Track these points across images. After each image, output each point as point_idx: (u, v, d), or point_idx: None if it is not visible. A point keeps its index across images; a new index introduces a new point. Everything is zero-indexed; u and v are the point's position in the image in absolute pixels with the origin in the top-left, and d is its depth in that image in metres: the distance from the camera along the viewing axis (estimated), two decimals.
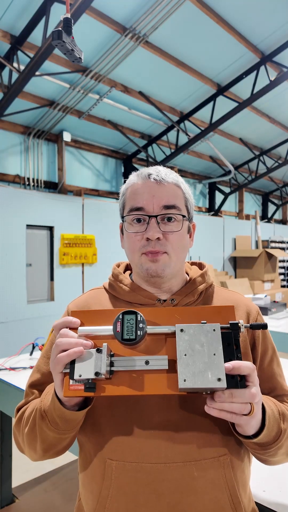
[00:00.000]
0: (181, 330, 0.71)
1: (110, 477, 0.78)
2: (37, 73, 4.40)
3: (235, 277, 9.10)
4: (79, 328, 0.74)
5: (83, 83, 5.06)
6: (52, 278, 5.47)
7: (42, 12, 3.81)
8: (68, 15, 2.01)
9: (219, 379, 0.66)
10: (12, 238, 4.88)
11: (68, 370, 0.70)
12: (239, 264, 9.15)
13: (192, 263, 1.03)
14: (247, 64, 5.48)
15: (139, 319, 0.72)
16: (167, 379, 0.70)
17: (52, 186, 6.09)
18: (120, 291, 0.92)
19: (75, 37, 2.07)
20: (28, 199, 5.08)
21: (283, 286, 9.97)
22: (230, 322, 0.72)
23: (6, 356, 2.58)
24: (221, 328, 0.71)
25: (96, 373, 0.68)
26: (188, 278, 0.94)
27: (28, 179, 5.70)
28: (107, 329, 0.73)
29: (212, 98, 5.98)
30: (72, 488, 2.47)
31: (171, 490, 0.76)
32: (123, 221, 0.91)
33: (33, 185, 5.76)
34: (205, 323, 0.72)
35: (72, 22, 2.01)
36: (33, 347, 2.43)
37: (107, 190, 7.05)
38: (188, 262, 1.02)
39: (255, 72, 5.48)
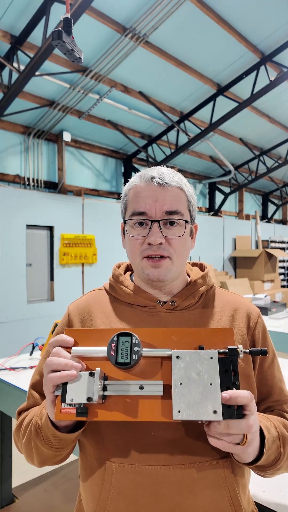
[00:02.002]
0: (177, 357, 0.68)
1: (110, 480, 0.78)
2: (37, 73, 4.40)
3: (235, 277, 9.10)
4: (73, 348, 0.72)
5: (83, 83, 5.06)
6: (52, 278, 5.47)
7: (42, 12, 3.81)
8: (68, 15, 2.01)
9: (214, 412, 0.64)
10: (12, 238, 4.88)
11: (59, 393, 0.68)
12: (239, 264, 9.15)
13: (193, 264, 1.02)
14: (247, 64, 5.48)
15: (134, 341, 0.69)
16: (162, 405, 0.68)
17: (52, 186, 6.09)
18: (121, 292, 0.91)
19: (75, 37, 2.07)
20: (28, 199, 5.08)
21: (283, 286, 9.97)
22: (228, 347, 0.69)
23: (6, 356, 2.58)
24: (219, 353, 0.69)
25: (89, 398, 0.66)
26: (189, 280, 0.93)
27: (28, 179, 5.70)
28: (101, 350, 0.71)
29: (212, 98, 5.98)
30: (72, 488, 2.47)
31: (171, 493, 0.76)
32: (125, 222, 0.90)
33: (33, 185, 5.77)
34: (203, 347, 0.70)
35: (72, 22, 2.01)
36: (33, 347, 2.43)
37: (107, 190, 7.05)
38: (189, 263, 1.01)
39: (255, 72, 5.48)
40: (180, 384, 0.66)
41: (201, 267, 1.00)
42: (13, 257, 4.88)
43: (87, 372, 0.68)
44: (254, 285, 8.18)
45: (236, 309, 0.91)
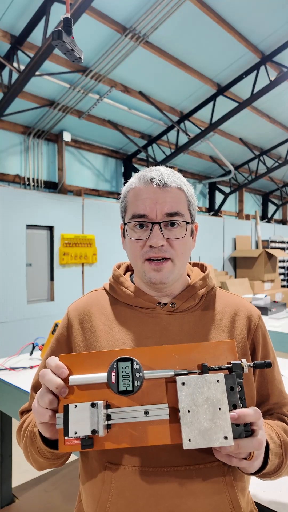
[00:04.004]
0: (183, 384, 0.66)
1: (110, 481, 0.78)
2: (37, 73, 4.40)
3: (235, 277, 9.10)
4: (70, 377, 0.69)
5: (83, 83, 5.06)
6: (52, 278, 5.47)
7: (42, 12, 3.81)
8: (68, 15, 2.01)
9: (225, 437, 0.63)
10: (12, 238, 4.88)
11: (61, 426, 0.66)
12: (239, 264, 9.15)
13: (194, 265, 1.01)
14: (247, 64, 5.48)
15: (135, 367, 0.66)
16: (170, 430, 0.66)
17: (52, 186, 6.09)
18: (121, 293, 0.91)
19: (75, 37, 2.07)
20: (28, 199, 5.08)
21: (283, 286, 9.97)
22: (232, 363, 0.68)
23: (6, 356, 2.58)
24: (223, 369, 0.68)
25: (93, 431, 0.64)
26: (189, 281, 0.93)
27: (28, 179, 5.70)
28: (101, 376, 0.68)
29: (212, 98, 5.98)
30: (72, 488, 2.47)
31: (171, 494, 0.75)
32: (124, 224, 0.89)
33: (33, 185, 5.76)
34: (206, 365, 0.68)
35: (72, 22, 2.01)
36: (33, 347, 2.43)
37: (107, 190, 7.05)
38: (190, 263, 1.01)
39: (255, 72, 5.48)
40: (188, 411, 0.65)
41: (202, 268, 0.99)
42: (13, 257, 4.88)
43: (89, 403, 0.66)
44: (254, 285, 8.18)
45: (237, 311, 0.90)
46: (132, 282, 0.94)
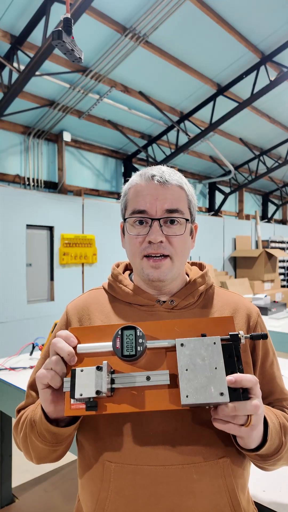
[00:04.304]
0: (182, 345, 0.70)
1: (108, 479, 0.78)
2: (37, 73, 4.40)
3: (235, 277, 9.10)
4: (78, 346, 0.73)
5: (83, 83, 5.06)
6: (52, 278, 5.47)
7: (42, 12, 3.81)
8: (68, 15, 2.01)
9: (221, 394, 0.66)
10: (12, 238, 4.88)
11: (68, 389, 0.69)
12: (239, 264, 9.15)
13: (192, 264, 1.02)
14: (247, 64, 5.48)
15: (138, 334, 0.71)
16: (169, 394, 0.70)
17: (52, 186, 6.09)
18: (120, 292, 0.91)
19: (75, 37, 2.08)
20: (28, 199, 5.08)
21: (283, 286, 9.97)
22: (230, 333, 0.71)
23: (6, 356, 2.58)
24: (221, 339, 0.71)
25: (97, 392, 0.68)
26: (188, 279, 0.93)
27: (28, 179, 5.70)
28: (106, 345, 0.72)
29: (212, 98, 5.98)
30: (72, 488, 2.47)
31: (170, 493, 0.75)
32: (124, 221, 0.90)
33: (33, 185, 5.77)
34: (205, 335, 0.71)
35: (72, 22, 2.01)
36: (33, 347, 2.43)
37: (107, 190, 7.05)
38: (188, 263, 1.01)
39: (255, 72, 5.48)
40: (186, 370, 0.68)
41: (200, 266, 1.00)
42: (13, 257, 4.88)
43: (94, 367, 0.70)
44: (254, 285, 8.18)
45: (236, 309, 0.91)
46: (131, 280, 0.94)
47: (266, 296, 4.26)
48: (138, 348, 0.70)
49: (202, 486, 0.76)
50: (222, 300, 0.92)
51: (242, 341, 0.71)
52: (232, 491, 0.78)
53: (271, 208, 11.86)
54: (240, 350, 0.70)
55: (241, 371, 0.69)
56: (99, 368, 0.69)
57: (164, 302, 0.89)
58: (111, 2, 4.03)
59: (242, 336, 0.71)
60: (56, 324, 2.15)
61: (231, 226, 9.18)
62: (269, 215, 11.58)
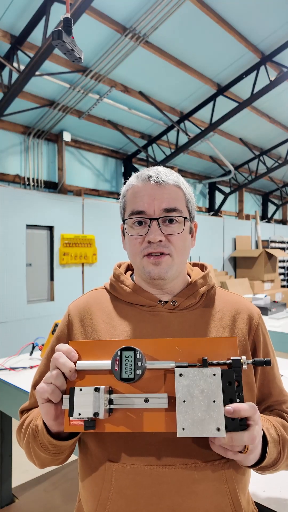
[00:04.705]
0: (180, 375, 0.69)
1: (110, 479, 0.78)
2: (37, 73, 4.40)
3: (235, 277, 9.10)
4: (77, 362, 0.73)
5: (83, 83, 5.06)
6: (52, 278, 5.47)
7: (42, 12, 3.81)
8: (68, 15, 2.01)
9: (218, 429, 0.65)
10: (12, 238, 4.88)
11: (67, 407, 0.70)
12: (239, 264, 9.15)
13: (194, 264, 1.02)
14: (247, 64, 5.48)
15: (137, 356, 0.70)
16: (166, 417, 0.69)
17: (52, 186, 6.09)
18: (122, 292, 0.92)
19: (75, 37, 2.07)
20: (28, 199, 5.08)
21: (283, 286, 9.97)
22: (232, 358, 0.70)
23: (6, 356, 2.58)
24: (222, 364, 0.70)
25: (95, 414, 0.68)
26: (189, 280, 0.94)
27: (28, 179, 5.70)
28: (105, 364, 0.72)
29: (212, 98, 5.98)
30: (72, 488, 2.47)
31: (172, 493, 0.75)
32: (124, 223, 0.90)
33: (33, 185, 5.76)
34: (206, 360, 0.70)
35: (72, 22, 2.01)
36: (33, 347, 2.43)
37: (107, 190, 7.05)
38: (190, 263, 1.02)
39: (255, 72, 5.48)
40: (184, 401, 0.67)
41: (202, 267, 1.00)
42: (13, 257, 4.88)
43: (93, 388, 0.70)
44: (254, 285, 8.18)
45: (238, 310, 0.91)
46: (133, 281, 0.94)
47: (266, 296, 4.26)
48: (137, 372, 0.69)
49: (204, 486, 0.76)
50: (223, 301, 0.93)
51: (245, 366, 0.70)
52: (233, 491, 0.78)
53: (271, 208, 11.86)
54: (241, 376, 0.69)
55: (241, 398, 0.68)
56: (97, 390, 0.69)
57: (166, 302, 0.89)
58: (111, 2, 4.03)
59: (245, 362, 0.70)
60: (56, 325, 2.16)
61: (231, 226, 9.18)
62: (269, 215, 11.58)
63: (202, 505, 0.76)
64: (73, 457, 2.67)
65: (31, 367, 2.20)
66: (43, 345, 2.39)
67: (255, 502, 0.98)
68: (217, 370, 0.68)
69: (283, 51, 5.17)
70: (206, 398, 0.67)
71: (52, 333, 2.17)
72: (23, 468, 2.68)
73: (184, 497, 0.75)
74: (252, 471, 0.90)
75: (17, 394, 1.93)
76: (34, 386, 0.94)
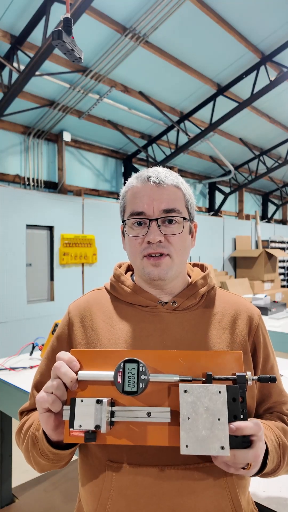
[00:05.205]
0: (185, 391, 0.67)
1: (110, 480, 0.78)
2: (37, 73, 4.40)
3: (235, 277, 9.10)
4: (79, 372, 0.72)
5: (83, 83, 5.06)
6: (52, 278, 5.47)
7: (42, 12, 3.81)
8: (68, 15, 2.01)
9: (222, 447, 0.64)
10: (12, 238, 4.88)
11: (68, 418, 0.69)
12: (239, 264, 9.15)
13: (194, 265, 1.02)
14: (247, 64, 5.48)
15: (141, 369, 0.69)
16: (169, 432, 0.68)
17: (52, 186, 6.09)
18: (122, 292, 0.92)
19: (75, 37, 2.07)
20: (28, 199, 5.08)
21: (283, 286, 9.97)
22: (237, 374, 0.69)
23: (6, 356, 2.58)
24: (227, 379, 0.69)
25: (96, 426, 0.67)
26: (190, 281, 0.94)
27: (28, 179, 5.70)
28: (108, 375, 0.71)
29: (212, 98, 5.98)
30: (72, 488, 2.47)
31: (172, 493, 0.75)
32: (124, 223, 0.91)
33: (33, 185, 5.76)
34: (211, 375, 0.69)
35: (72, 22, 2.01)
36: (33, 347, 2.43)
37: (107, 190, 7.05)
38: (190, 264, 1.02)
39: (255, 72, 5.48)
40: (188, 418, 0.66)
41: (202, 267, 1.00)
42: (13, 257, 4.88)
43: (95, 399, 0.68)
44: (254, 285, 8.18)
45: (238, 310, 0.91)
46: (133, 281, 0.94)
47: (266, 296, 4.26)
48: (140, 385, 0.68)
49: (204, 486, 0.76)
50: (223, 302, 0.93)
51: (249, 383, 0.69)
52: (234, 491, 0.78)
53: (271, 208, 11.86)
54: (246, 391, 0.68)
55: (245, 415, 0.67)
56: (99, 402, 0.68)
57: (166, 303, 0.89)
58: (111, 2, 4.03)
59: (250, 378, 0.69)
60: (56, 325, 2.16)
61: (231, 226, 9.18)
62: (269, 215, 11.58)
63: (202, 505, 0.76)
64: (74, 457, 2.66)
65: (31, 367, 2.20)
66: (43, 345, 2.39)
67: (255, 502, 0.98)
68: (223, 387, 0.67)
69: (283, 51, 5.17)
70: (211, 415, 0.66)
71: (52, 333, 2.17)
72: (23, 468, 2.68)
73: (184, 497, 0.75)
74: None
75: (17, 394, 1.93)
76: (35, 386, 0.93)
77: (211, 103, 6.05)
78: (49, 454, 0.78)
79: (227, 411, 0.66)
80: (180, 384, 0.68)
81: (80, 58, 2.14)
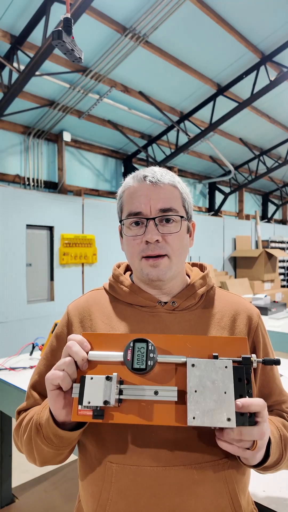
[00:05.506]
0: (193, 365, 0.70)
1: (110, 480, 0.78)
2: (37, 73, 4.40)
3: (235, 277, 9.10)
4: (90, 352, 0.74)
5: (83, 83, 5.06)
6: (52, 278, 5.47)
7: (42, 12, 3.81)
8: (68, 15, 2.01)
9: (228, 419, 0.66)
10: (12, 238, 4.88)
11: (77, 395, 0.70)
12: (239, 264, 9.15)
13: (193, 264, 1.02)
14: (247, 64, 5.48)
15: (150, 348, 0.71)
16: (176, 410, 0.70)
17: (52, 186, 6.09)
18: (121, 292, 0.91)
19: (75, 37, 2.07)
20: (28, 199, 5.08)
21: (283, 286, 9.97)
22: (242, 356, 0.71)
23: (6, 356, 2.58)
24: (233, 361, 0.71)
25: (105, 402, 0.68)
26: (189, 281, 0.94)
27: (28, 179, 5.70)
28: (117, 355, 0.73)
29: (212, 98, 5.98)
30: (72, 488, 2.47)
31: (172, 494, 0.75)
32: (121, 224, 0.91)
33: (33, 185, 5.77)
34: (217, 356, 0.71)
35: (72, 22, 2.01)
36: (33, 347, 2.43)
37: (107, 190, 7.05)
38: (189, 263, 1.02)
39: (255, 72, 5.48)
40: (195, 391, 0.68)
41: (201, 267, 1.00)
42: (13, 257, 4.88)
43: (104, 376, 0.70)
44: (254, 285, 8.18)
45: (237, 310, 0.91)
46: (132, 281, 0.94)
47: (266, 296, 4.26)
48: (149, 363, 0.70)
49: (204, 486, 0.76)
50: (223, 302, 0.93)
51: (254, 365, 0.71)
52: (233, 491, 0.78)
53: (271, 208, 11.86)
54: (250, 374, 0.70)
55: (250, 395, 0.69)
56: (108, 378, 0.70)
57: (165, 303, 0.89)
58: (111, 2, 4.03)
59: (255, 360, 0.71)
60: (56, 324, 2.16)
61: (231, 226, 9.18)
62: (269, 215, 11.58)
63: (202, 506, 0.76)
64: (73, 457, 2.67)
65: (31, 367, 2.20)
66: (43, 345, 2.39)
67: (255, 502, 0.98)
68: (229, 362, 0.70)
69: (283, 51, 5.17)
70: (217, 389, 0.68)
71: (52, 333, 2.17)
72: (23, 468, 2.68)
73: (184, 498, 0.75)
74: (252, 471, 0.90)
75: (17, 394, 1.93)
76: (33, 386, 0.93)
77: (211, 103, 6.05)
78: (54, 439, 0.77)
79: (233, 388, 0.68)
80: (188, 358, 0.71)
81: (80, 58, 2.14)
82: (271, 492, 1.09)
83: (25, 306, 5.02)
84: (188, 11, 4.30)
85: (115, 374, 0.70)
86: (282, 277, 10.14)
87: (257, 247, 10.10)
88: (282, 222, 12.51)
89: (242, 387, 0.69)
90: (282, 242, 10.81)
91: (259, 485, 1.12)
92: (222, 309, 0.91)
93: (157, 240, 0.83)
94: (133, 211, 0.86)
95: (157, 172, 0.87)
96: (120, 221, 0.91)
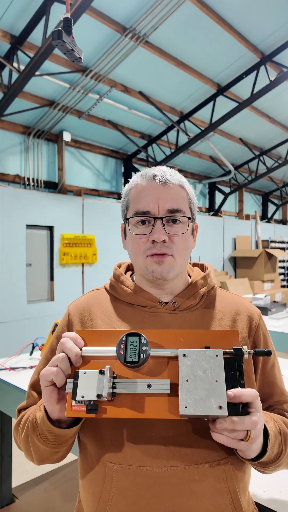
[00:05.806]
0: (184, 355, 0.71)
1: (110, 481, 0.78)
2: (37, 73, 4.40)
3: (235, 277, 9.10)
4: (83, 348, 0.75)
5: (83, 83, 5.06)
6: (52, 278, 5.47)
7: (42, 12, 3.81)
8: (68, 15, 2.01)
9: (220, 407, 0.66)
10: (12, 238, 4.88)
11: (70, 390, 0.71)
12: (239, 264, 9.15)
13: (194, 265, 1.02)
14: (247, 64, 5.48)
15: (142, 341, 0.71)
16: (168, 403, 0.70)
17: (52, 186, 6.09)
18: (122, 292, 0.91)
19: (75, 37, 2.07)
20: (28, 199, 5.08)
21: (283, 286, 9.97)
22: (234, 347, 0.72)
23: (6, 356, 2.58)
24: (224, 353, 0.71)
25: (98, 395, 0.69)
26: (190, 281, 0.94)
27: (28, 179, 5.70)
28: (110, 350, 0.74)
29: (212, 98, 5.98)
30: (72, 488, 2.47)
31: (172, 494, 0.75)
32: (126, 222, 0.90)
33: (33, 185, 5.76)
34: (209, 347, 0.72)
35: (72, 22, 2.01)
36: (33, 347, 2.43)
37: (107, 190, 7.05)
38: (190, 263, 1.02)
39: (255, 72, 5.48)
40: (187, 381, 0.69)
41: (202, 267, 1.00)
42: (13, 257, 4.88)
43: (97, 370, 0.71)
44: (254, 285, 8.18)
45: (238, 311, 0.91)
46: (133, 281, 0.94)
47: (266, 296, 4.26)
48: (141, 355, 0.70)
49: (204, 487, 0.76)
50: (223, 302, 0.93)
51: (246, 356, 0.71)
52: (234, 492, 0.78)
53: (271, 208, 11.86)
54: (242, 365, 0.70)
55: (242, 386, 0.69)
56: (101, 372, 0.70)
57: (166, 303, 0.89)
58: (111, 2, 4.03)
59: (246, 351, 0.71)
60: (56, 325, 2.16)
61: (231, 226, 9.18)
62: (269, 215, 11.58)
63: (202, 506, 0.76)
64: (73, 457, 2.67)
65: (31, 367, 2.20)
66: (43, 345, 2.39)
67: (255, 502, 0.98)
68: (219, 351, 0.70)
69: (283, 51, 5.17)
70: (209, 377, 0.69)
71: (52, 333, 2.17)
72: (23, 468, 2.68)
73: (185, 498, 0.75)
74: (253, 470, 0.90)
75: (17, 394, 1.93)
76: (32, 386, 0.93)
77: (211, 103, 6.05)
78: (49, 436, 0.77)
79: (225, 379, 0.69)
80: (179, 349, 0.71)
81: (80, 58, 2.14)
82: (272, 492, 1.09)
83: (25, 306, 5.02)
84: (188, 11, 4.30)
85: (107, 366, 0.71)
86: (282, 277, 10.14)
87: (257, 247, 10.10)
88: (282, 222, 12.51)
89: (234, 378, 0.69)
90: (282, 242, 10.81)
91: (259, 485, 1.12)
92: (223, 309, 0.90)
93: (163, 240, 0.83)
94: (140, 210, 0.85)
95: (166, 172, 0.87)
96: (126, 219, 0.90)
